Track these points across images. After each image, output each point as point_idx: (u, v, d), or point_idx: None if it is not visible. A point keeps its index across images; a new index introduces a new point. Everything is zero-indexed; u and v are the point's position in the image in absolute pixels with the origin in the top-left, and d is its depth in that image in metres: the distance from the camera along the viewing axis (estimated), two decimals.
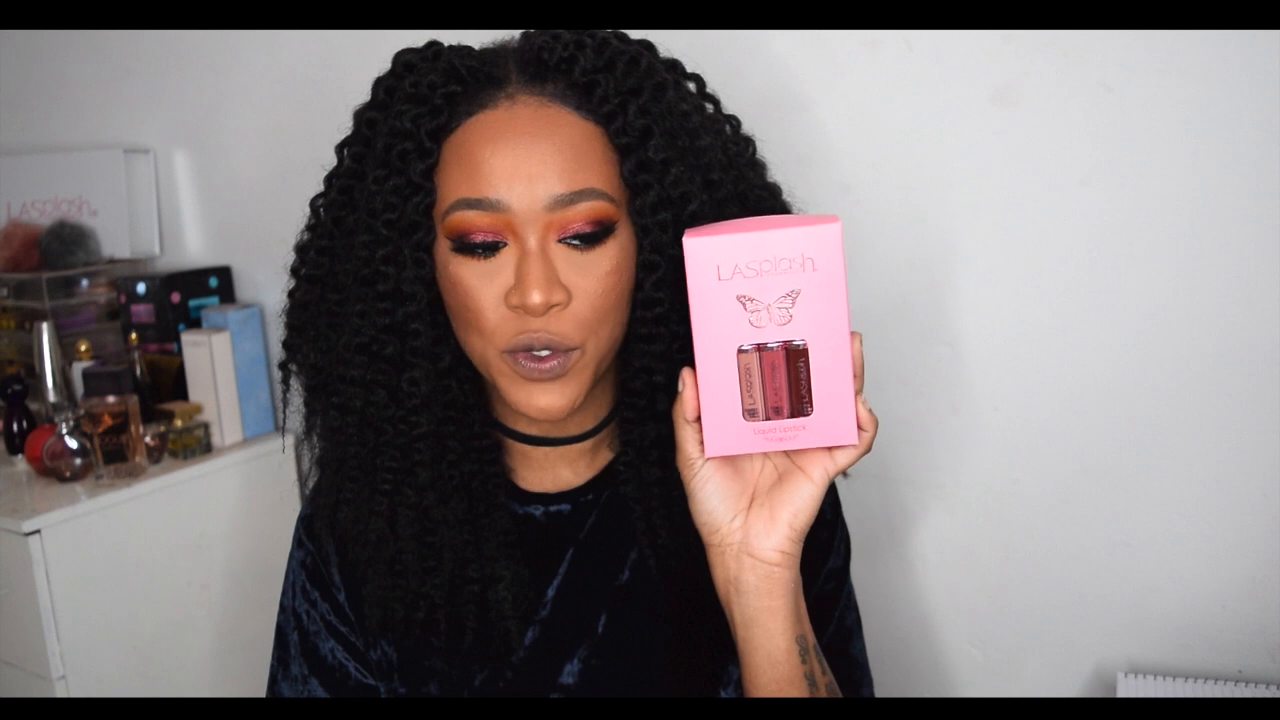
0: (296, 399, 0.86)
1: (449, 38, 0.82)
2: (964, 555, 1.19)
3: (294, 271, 0.84)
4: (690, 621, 0.84)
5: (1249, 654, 1.06)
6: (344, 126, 0.82)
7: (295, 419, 0.88)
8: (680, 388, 0.72)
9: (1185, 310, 1.03)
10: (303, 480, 1.58)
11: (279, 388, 0.89)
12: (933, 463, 1.18)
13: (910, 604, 1.23)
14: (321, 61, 1.51)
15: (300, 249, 0.84)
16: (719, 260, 0.68)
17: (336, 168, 0.82)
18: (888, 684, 1.23)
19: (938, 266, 1.13)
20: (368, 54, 0.89)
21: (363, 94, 0.81)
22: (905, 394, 1.17)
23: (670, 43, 0.83)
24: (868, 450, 0.71)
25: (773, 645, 0.73)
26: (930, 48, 1.09)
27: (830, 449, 0.71)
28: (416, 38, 0.81)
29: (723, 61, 0.87)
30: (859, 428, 0.70)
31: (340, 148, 0.82)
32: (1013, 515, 1.15)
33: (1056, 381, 1.10)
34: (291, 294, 0.84)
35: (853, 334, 0.69)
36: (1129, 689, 1.05)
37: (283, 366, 0.86)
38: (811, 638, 0.76)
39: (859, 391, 0.70)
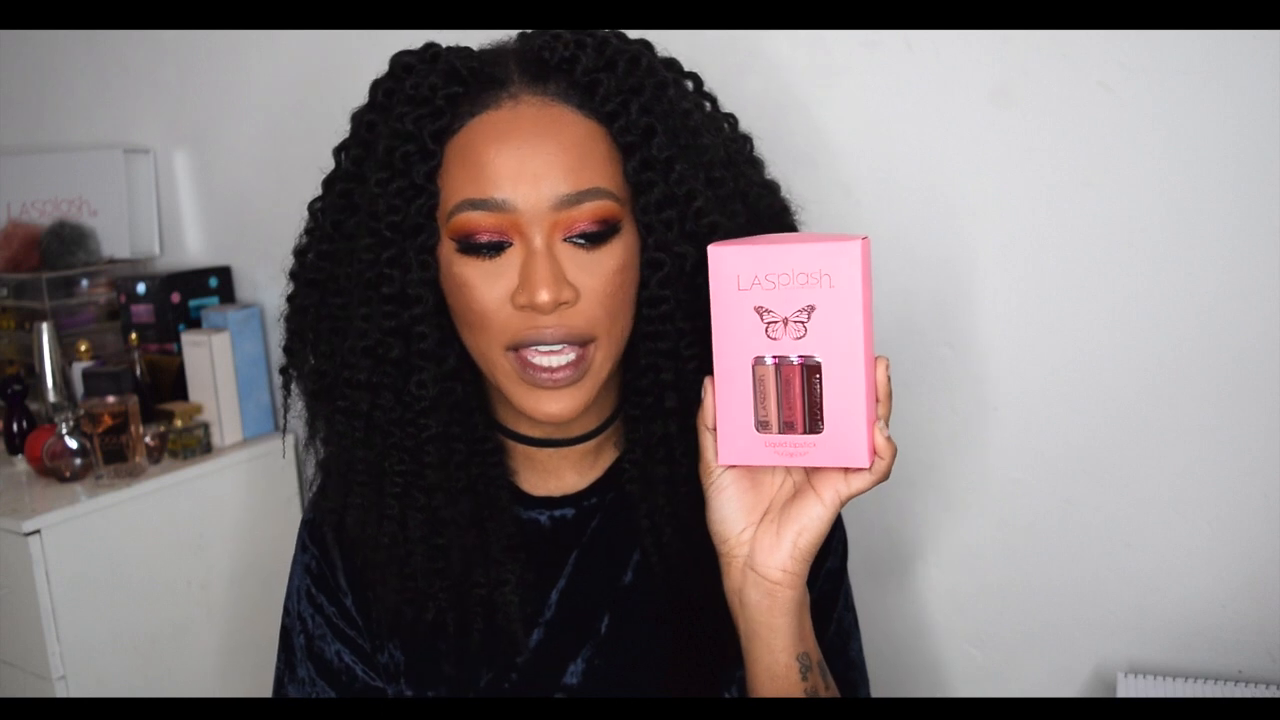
0: (298, 403, 0.86)
1: (449, 38, 0.82)
2: (964, 555, 1.19)
3: (293, 276, 0.83)
4: (693, 622, 0.84)
5: (1249, 654, 1.06)
6: (344, 127, 0.81)
7: (296, 424, 0.87)
8: (703, 395, 0.71)
9: (1185, 310, 1.03)
10: (305, 486, 1.58)
11: (279, 389, 0.88)
12: (932, 462, 1.18)
13: (910, 604, 1.23)
14: (322, 61, 1.51)
15: (299, 253, 0.83)
16: (740, 270, 0.68)
17: (335, 171, 0.81)
18: (887, 684, 1.23)
19: (938, 266, 1.13)
20: (368, 54, 0.89)
21: (364, 94, 0.81)
22: (905, 394, 1.17)
23: (669, 43, 0.83)
24: (884, 478, 0.69)
25: (772, 660, 0.73)
26: (929, 48, 1.09)
27: (845, 473, 0.70)
28: (416, 38, 0.81)
29: (722, 61, 0.87)
30: (875, 453, 0.68)
31: (338, 151, 0.81)
32: (1013, 515, 1.15)
33: (1056, 381, 1.10)
34: (291, 299, 0.84)
35: (877, 358, 0.68)
36: (1129, 689, 1.05)
37: (284, 372, 0.86)
38: (816, 654, 0.75)
39: (882, 417, 0.68)
